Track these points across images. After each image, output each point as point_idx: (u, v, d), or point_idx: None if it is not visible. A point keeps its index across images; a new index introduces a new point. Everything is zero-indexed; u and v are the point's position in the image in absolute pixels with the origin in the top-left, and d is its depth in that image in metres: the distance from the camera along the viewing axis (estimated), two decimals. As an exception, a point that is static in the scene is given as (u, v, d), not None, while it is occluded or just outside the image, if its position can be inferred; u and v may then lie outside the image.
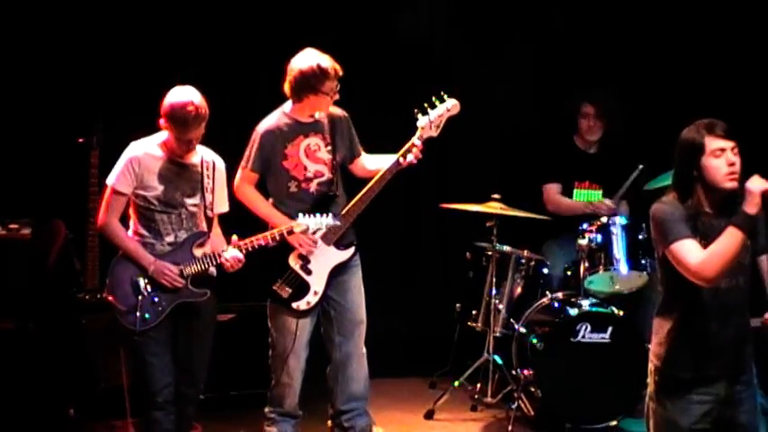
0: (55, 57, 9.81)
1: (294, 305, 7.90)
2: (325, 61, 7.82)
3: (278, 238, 7.51)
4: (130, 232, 7.29)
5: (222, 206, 7.50)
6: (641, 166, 9.33)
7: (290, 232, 7.53)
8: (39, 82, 9.78)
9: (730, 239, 5.57)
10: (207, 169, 7.34)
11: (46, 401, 8.56)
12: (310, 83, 7.79)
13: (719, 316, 5.81)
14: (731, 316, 5.85)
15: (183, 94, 7.12)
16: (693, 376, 5.83)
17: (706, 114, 6.01)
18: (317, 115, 8.00)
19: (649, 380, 6.04)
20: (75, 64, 9.82)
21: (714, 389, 5.82)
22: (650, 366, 6.08)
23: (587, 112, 9.70)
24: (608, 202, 9.46)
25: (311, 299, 7.93)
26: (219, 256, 7.25)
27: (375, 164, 8.08)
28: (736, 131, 5.76)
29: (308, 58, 7.83)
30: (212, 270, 7.39)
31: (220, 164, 7.49)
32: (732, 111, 6.72)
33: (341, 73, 7.87)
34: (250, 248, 7.36)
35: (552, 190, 9.60)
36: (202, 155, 7.37)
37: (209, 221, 7.43)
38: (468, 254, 9.65)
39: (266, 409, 8.12)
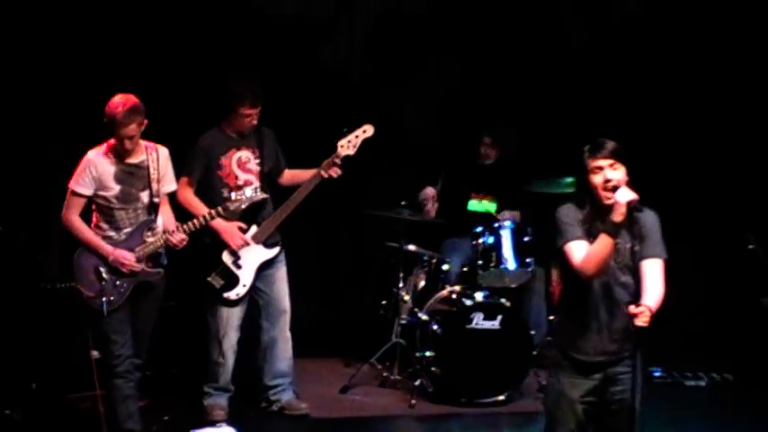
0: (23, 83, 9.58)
1: (225, 295, 8.04)
2: (246, 89, 7.99)
3: (214, 215, 7.65)
4: (91, 226, 7.29)
5: (170, 186, 7.51)
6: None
7: (225, 209, 7.63)
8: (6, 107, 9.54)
9: (601, 243, 5.72)
10: (153, 162, 7.34)
11: (12, 377, 8.50)
12: (232, 105, 7.97)
13: (608, 308, 5.91)
14: (619, 308, 5.93)
15: (114, 99, 7.15)
16: (585, 357, 5.95)
17: (588, 135, 6.11)
18: (247, 132, 8.07)
19: (551, 356, 6.23)
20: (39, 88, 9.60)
21: (601, 369, 5.95)
22: (552, 346, 6.30)
23: (485, 141, 9.75)
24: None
25: (240, 290, 8.06)
26: (169, 236, 7.29)
27: (299, 177, 8.18)
28: (620, 151, 5.83)
29: (238, 82, 8.05)
30: (161, 249, 7.39)
31: (163, 151, 7.48)
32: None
33: (259, 98, 7.99)
34: (193, 228, 7.45)
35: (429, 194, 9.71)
36: (146, 151, 7.35)
37: (156, 207, 7.38)
38: (380, 253, 9.73)
39: (204, 386, 8.16)
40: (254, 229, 8.07)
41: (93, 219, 7.32)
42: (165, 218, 7.42)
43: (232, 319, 8.13)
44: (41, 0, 9.73)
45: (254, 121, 8.08)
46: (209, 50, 10.07)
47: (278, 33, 10.37)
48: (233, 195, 7.69)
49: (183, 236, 7.37)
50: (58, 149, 8.53)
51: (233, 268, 8.01)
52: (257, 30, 10.31)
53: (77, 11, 9.75)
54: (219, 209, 7.66)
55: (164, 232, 7.33)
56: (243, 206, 7.76)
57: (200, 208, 7.90)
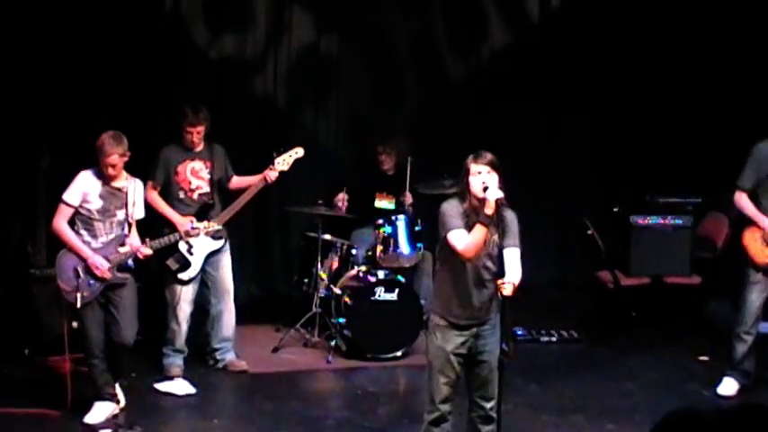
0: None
1: (179, 276, 8.07)
2: (187, 111, 8.03)
3: (177, 237, 7.75)
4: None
5: (139, 214, 7.42)
6: (411, 159, 9.50)
7: (187, 234, 7.74)
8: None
9: (477, 232, 5.90)
10: (131, 190, 7.33)
11: (9, 344, 8.58)
12: (189, 122, 8.01)
13: (476, 283, 6.07)
14: (483, 284, 6.09)
15: (107, 139, 7.13)
16: (456, 320, 6.13)
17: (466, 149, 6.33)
18: (200, 146, 8.10)
19: (429, 321, 6.35)
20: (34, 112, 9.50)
21: (469, 328, 6.13)
22: (429, 312, 6.39)
23: (382, 152, 9.76)
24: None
25: (191, 273, 8.10)
26: (138, 250, 7.30)
27: (244, 182, 8.24)
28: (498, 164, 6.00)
29: (190, 107, 8.05)
30: (130, 261, 7.36)
31: (140, 185, 7.43)
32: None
33: (200, 119, 8.02)
34: (158, 246, 7.52)
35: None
36: (128, 180, 7.33)
37: (130, 226, 7.34)
38: (302, 241, 9.70)
39: (163, 348, 8.16)
40: (202, 225, 7.94)
41: (75, 227, 7.27)
42: (133, 238, 7.39)
43: (185, 294, 8.14)
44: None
45: (197, 138, 8.08)
46: (167, 83, 10.00)
47: (219, 70, 10.35)
48: (200, 227, 7.78)
49: (150, 251, 7.42)
50: (49, 162, 8.50)
51: (186, 255, 8.03)
52: (203, 67, 10.29)
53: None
54: (188, 230, 7.77)
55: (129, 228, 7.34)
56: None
57: (163, 206, 7.98)
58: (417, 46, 10.93)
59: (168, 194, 8.07)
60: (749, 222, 8.02)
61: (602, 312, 9.90)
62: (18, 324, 8.70)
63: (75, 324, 7.44)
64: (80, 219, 7.28)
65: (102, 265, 7.19)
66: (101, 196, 7.26)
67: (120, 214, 7.33)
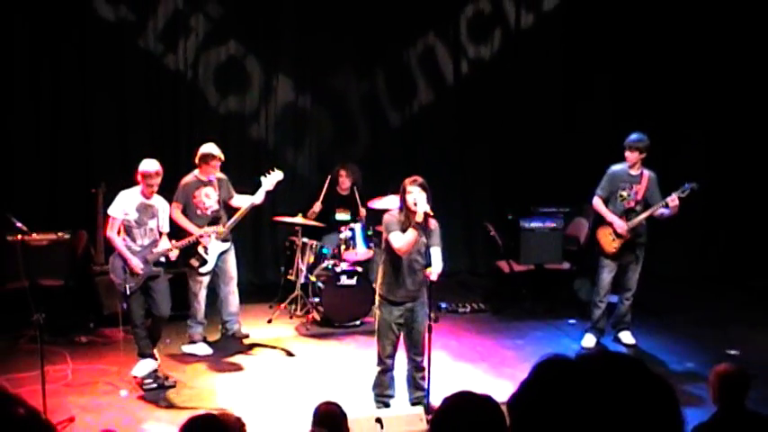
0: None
1: (200, 270, 8.03)
2: (211, 150, 7.96)
3: (194, 240, 7.75)
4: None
5: (165, 227, 7.44)
6: (359, 187, 9.52)
7: (201, 237, 7.77)
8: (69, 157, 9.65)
9: (409, 234, 6.03)
10: (161, 209, 7.39)
11: (79, 319, 8.64)
12: (204, 160, 7.97)
13: (409, 272, 6.19)
14: (414, 272, 6.21)
15: (147, 163, 7.20)
16: (395, 298, 6.26)
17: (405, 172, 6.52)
18: (211, 176, 8.02)
19: (376, 299, 6.42)
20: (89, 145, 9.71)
21: (404, 304, 6.26)
22: (377, 293, 6.41)
23: (342, 174, 9.63)
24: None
25: (207, 268, 8.05)
26: (166, 252, 7.37)
27: (242, 201, 8.14)
28: (427, 185, 6.12)
29: (205, 148, 8.00)
30: (163, 258, 7.39)
31: (166, 203, 7.45)
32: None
33: (220, 157, 7.96)
34: (181, 246, 7.57)
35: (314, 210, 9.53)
36: (157, 199, 7.36)
37: (160, 234, 7.37)
38: (286, 242, 9.64)
39: (188, 320, 8.17)
40: (213, 227, 7.90)
41: (121, 235, 7.29)
42: (162, 242, 7.40)
43: (204, 283, 8.13)
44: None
45: (216, 170, 8.03)
46: (187, 131, 9.99)
47: (225, 121, 10.32)
48: (210, 230, 7.79)
49: (177, 251, 7.48)
50: (105, 189, 8.47)
51: (204, 255, 8.00)
52: (214, 119, 10.25)
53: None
54: (202, 234, 7.76)
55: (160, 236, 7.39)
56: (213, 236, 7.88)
57: (184, 221, 7.90)
58: (366, 102, 10.92)
59: (188, 212, 8.01)
60: (601, 222, 8.21)
61: (500, 290, 9.91)
62: (85, 305, 8.78)
63: (124, 306, 7.46)
64: (124, 228, 7.30)
65: (137, 266, 7.21)
66: (137, 210, 7.28)
67: (152, 224, 7.31)
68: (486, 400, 2.46)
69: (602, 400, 1.60)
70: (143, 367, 7.37)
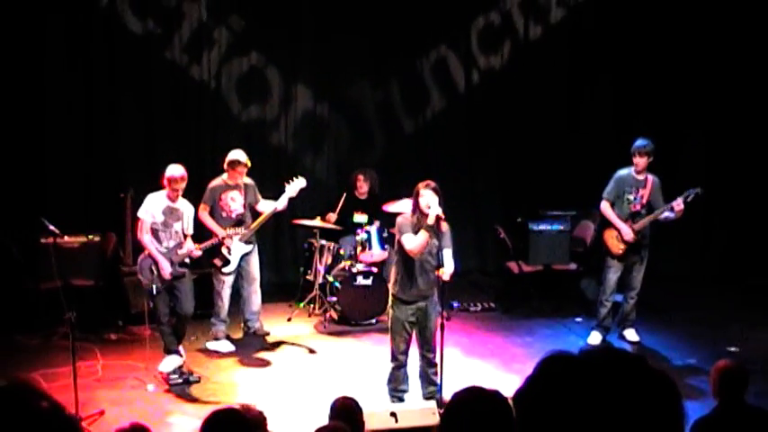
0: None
1: (223, 270, 8.06)
2: (239, 157, 7.98)
3: (218, 241, 7.78)
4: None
5: (190, 229, 7.44)
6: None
7: (224, 238, 7.78)
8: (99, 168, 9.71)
9: (421, 236, 6.03)
10: (187, 212, 7.42)
11: (109, 317, 8.65)
12: (231, 165, 8.00)
13: (420, 272, 6.19)
14: (426, 272, 6.21)
15: (173, 168, 7.24)
16: (408, 297, 6.25)
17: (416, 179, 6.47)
18: (238, 180, 8.05)
19: (390, 298, 6.41)
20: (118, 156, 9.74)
21: (416, 303, 6.25)
22: (390, 292, 6.41)
23: (360, 179, 9.61)
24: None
25: (231, 268, 8.08)
26: (191, 253, 7.39)
27: (266, 206, 8.16)
28: (440, 189, 6.11)
29: (232, 154, 8.02)
30: (187, 259, 7.41)
31: (191, 207, 7.48)
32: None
33: (247, 163, 7.97)
34: (205, 247, 7.58)
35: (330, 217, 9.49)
36: (182, 203, 7.39)
37: (185, 236, 7.39)
38: (306, 244, 9.62)
39: (212, 319, 8.18)
40: (238, 235, 7.95)
41: (150, 236, 7.32)
42: (188, 243, 7.41)
43: (227, 282, 8.14)
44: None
45: (243, 175, 8.06)
46: (213, 138, 10.06)
47: (248, 128, 10.34)
48: (231, 232, 7.79)
49: (200, 253, 7.48)
50: (133, 194, 8.49)
51: (228, 255, 8.02)
52: (237, 127, 10.26)
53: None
54: (226, 235, 7.77)
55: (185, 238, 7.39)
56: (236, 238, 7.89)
57: (210, 222, 7.93)
58: (382, 110, 10.91)
59: (214, 214, 8.03)
60: (608, 224, 8.19)
61: (510, 290, 9.87)
62: (114, 304, 8.80)
63: (151, 305, 7.48)
64: (152, 231, 7.33)
65: (165, 267, 7.24)
66: (162, 213, 7.31)
67: (177, 226, 7.34)
68: (495, 395, 2.46)
69: (604, 394, 1.60)
70: (169, 363, 7.39)
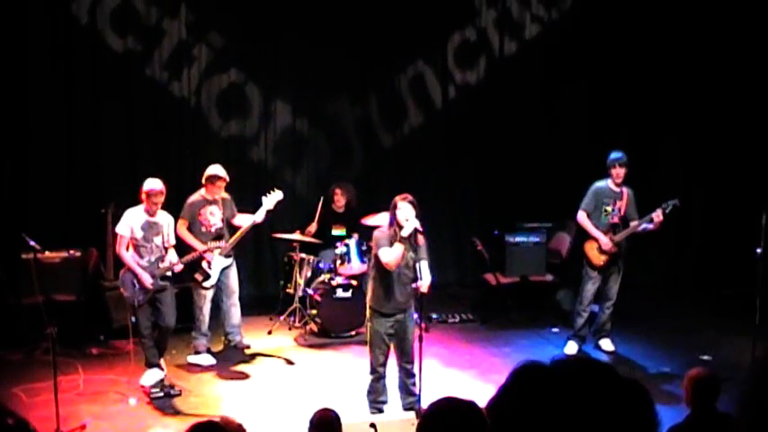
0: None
1: (204, 284, 8.04)
2: (217, 171, 7.99)
3: (198, 256, 7.78)
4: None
5: (172, 240, 7.45)
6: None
7: (205, 252, 7.78)
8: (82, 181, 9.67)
9: (396, 249, 6.05)
10: (166, 225, 7.41)
11: (90, 332, 8.58)
12: (210, 180, 7.99)
13: (398, 284, 6.20)
14: (403, 285, 6.22)
15: (151, 182, 7.25)
16: (386, 310, 6.26)
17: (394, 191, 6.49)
18: (216, 195, 8.04)
19: (368, 311, 6.40)
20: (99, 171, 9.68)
21: (394, 315, 6.26)
22: (368, 305, 6.40)
23: (337, 192, 9.65)
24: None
25: (211, 282, 8.05)
26: (173, 266, 7.41)
27: (243, 220, 8.15)
28: (416, 203, 6.14)
29: (211, 169, 8.02)
30: (169, 273, 7.42)
31: (171, 219, 7.48)
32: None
33: (226, 178, 7.98)
34: (186, 262, 7.61)
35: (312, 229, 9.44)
36: (161, 215, 7.38)
37: (166, 249, 7.39)
38: (285, 258, 9.57)
39: (192, 333, 8.15)
40: (218, 250, 8.00)
41: (130, 251, 7.33)
42: (170, 256, 7.44)
43: (207, 296, 8.11)
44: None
45: (222, 190, 8.05)
46: (192, 154, 9.92)
47: (227, 144, 10.33)
48: (212, 245, 7.85)
49: (182, 266, 7.51)
50: (114, 210, 8.44)
51: (208, 270, 8.01)
52: (217, 142, 10.22)
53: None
54: (207, 250, 7.79)
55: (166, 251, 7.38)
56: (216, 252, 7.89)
57: (189, 238, 7.90)
58: (360, 125, 10.93)
59: (193, 229, 8.00)
60: (586, 236, 8.22)
61: (487, 301, 9.86)
62: (96, 318, 8.74)
63: (133, 319, 7.44)
64: (133, 245, 7.33)
65: (146, 279, 7.25)
66: (142, 228, 7.31)
67: (158, 240, 7.35)
68: (469, 405, 2.48)
69: (576, 402, 1.62)
70: (150, 377, 7.37)
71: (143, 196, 7.26)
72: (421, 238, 6.27)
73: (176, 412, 6.82)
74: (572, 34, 11.08)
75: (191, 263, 7.80)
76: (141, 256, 7.31)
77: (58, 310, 8.08)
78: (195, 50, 10.16)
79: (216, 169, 8.04)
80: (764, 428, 1.64)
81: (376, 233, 6.33)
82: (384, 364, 6.44)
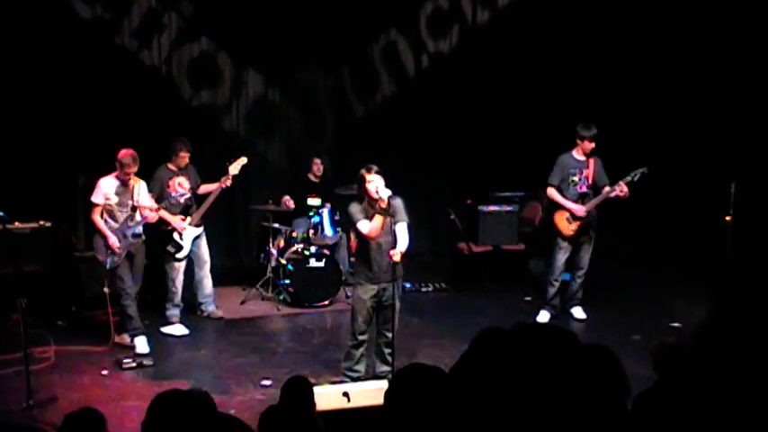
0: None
1: (176, 255, 8.09)
2: (184, 140, 8.13)
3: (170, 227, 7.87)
4: (103, 219, 7.38)
5: (145, 201, 7.46)
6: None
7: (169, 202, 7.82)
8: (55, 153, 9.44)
9: (376, 220, 6.08)
10: (136, 188, 7.45)
11: (61, 303, 8.57)
12: (174, 151, 8.09)
13: (379, 253, 6.23)
14: (385, 253, 6.21)
15: (124, 152, 7.27)
16: (369, 278, 6.31)
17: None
18: (182, 165, 8.11)
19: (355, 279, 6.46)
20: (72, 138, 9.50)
21: (378, 284, 6.29)
22: (354, 273, 6.49)
23: (316, 162, 9.62)
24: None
25: (183, 253, 8.12)
26: (144, 215, 7.41)
27: (209, 188, 8.22)
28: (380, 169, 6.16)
29: (175, 143, 8.14)
30: (140, 228, 7.48)
31: (143, 183, 7.53)
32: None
33: (188, 149, 8.10)
34: (160, 216, 7.67)
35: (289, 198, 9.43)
36: (135, 182, 7.45)
37: (136, 208, 7.40)
38: (258, 228, 9.68)
39: (166, 304, 8.15)
40: (188, 219, 8.07)
41: (103, 217, 7.35)
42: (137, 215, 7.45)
43: (180, 268, 8.16)
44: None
45: (187, 159, 8.13)
46: (163, 123, 9.89)
47: (199, 114, 10.22)
48: (185, 224, 7.96)
49: (154, 214, 7.50)
50: (84, 180, 8.44)
51: (179, 241, 8.05)
52: (188, 112, 10.15)
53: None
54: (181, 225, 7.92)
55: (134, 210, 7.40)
56: (180, 201, 7.88)
57: (162, 212, 7.85)
58: (333, 94, 10.86)
59: (162, 199, 7.94)
60: (557, 207, 8.26)
61: (460, 270, 9.91)
62: (66, 290, 8.69)
63: (106, 289, 7.46)
64: (106, 210, 7.40)
65: (114, 243, 7.32)
66: (116, 193, 7.38)
67: (130, 202, 7.43)
68: (436, 371, 2.49)
69: (533, 366, 1.63)
70: (143, 344, 7.44)
71: (116, 165, 7.28)
72: (397, 200, 6.26)
73: (149, 383, 6.78)
74: (544, 3, 11.04)
75: (162, 235, 7.90)
76: (115, 220, 7.39)
77: (28, 281, 7.88)
78: (165, 18, 10.00)
79: (180, 139, 8.13)
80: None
81: (350, 207, 6.34)
82: (364, 332, 6.48)
